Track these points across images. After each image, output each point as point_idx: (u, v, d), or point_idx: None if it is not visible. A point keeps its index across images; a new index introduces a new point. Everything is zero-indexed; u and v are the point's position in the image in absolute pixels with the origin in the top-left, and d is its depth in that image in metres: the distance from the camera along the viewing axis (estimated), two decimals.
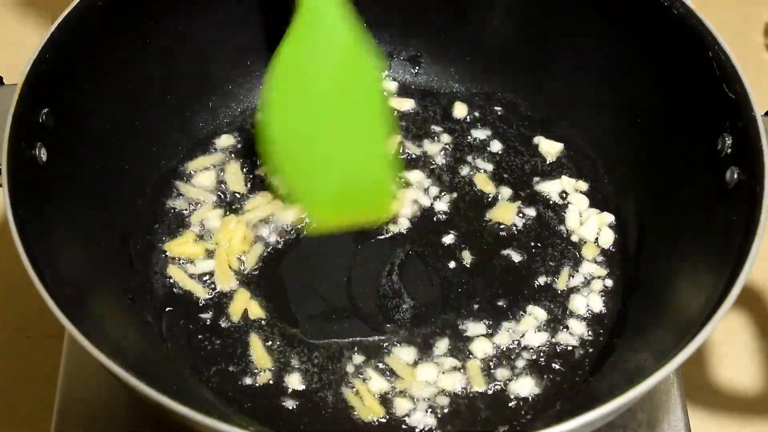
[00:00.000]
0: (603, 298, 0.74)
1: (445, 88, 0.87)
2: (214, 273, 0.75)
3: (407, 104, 0.86)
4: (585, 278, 0.75)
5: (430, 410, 0.68)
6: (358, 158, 0.74)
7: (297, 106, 0.72)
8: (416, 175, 0.81)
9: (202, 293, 0.74)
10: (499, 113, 0.85)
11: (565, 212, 0.79)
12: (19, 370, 0.83)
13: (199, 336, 0.72)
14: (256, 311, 0.73)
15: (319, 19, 0.70)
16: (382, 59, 0.71)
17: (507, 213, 0.78)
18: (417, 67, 0.87)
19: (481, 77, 0.86)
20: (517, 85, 0.85)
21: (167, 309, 0.73)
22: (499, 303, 0.74)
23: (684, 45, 0.70)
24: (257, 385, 0.69)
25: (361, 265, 0.76)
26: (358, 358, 0.70)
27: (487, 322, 0.73)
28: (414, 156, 0.82)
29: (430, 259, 0.76)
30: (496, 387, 0.70)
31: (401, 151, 0.82)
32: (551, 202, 0.80)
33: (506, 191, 0.80)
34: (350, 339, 0.72)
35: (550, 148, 0.82)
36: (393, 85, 0.87)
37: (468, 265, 0.76)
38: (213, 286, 0.74)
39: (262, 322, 0.72)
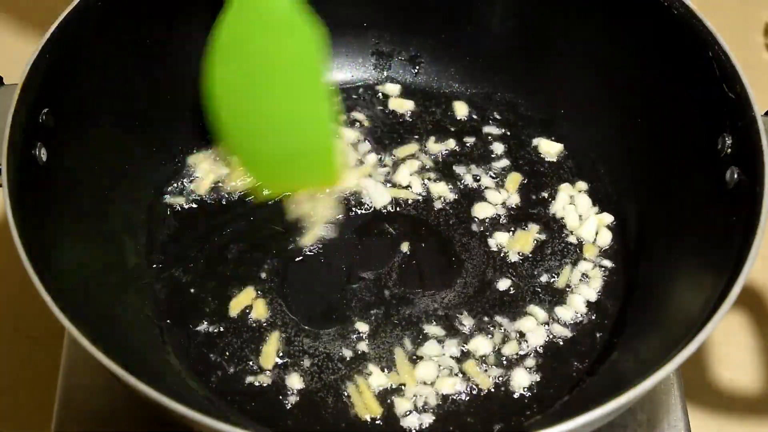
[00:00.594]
0: (603, 297, 0.74)
1: (445, 88, 0.87)
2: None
3: (407, 105, 0.86)
4: (585, 278, 0.75)
5: (428, 409, 0.68)
6: (300, 125, 0.76)
7: (238, 74, 0.73)
8: (413, 178, 0.81)
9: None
10: (498, 114, 0.85)
11: (564, 212, 0.79)
12: (19, 370, 0.83)
13: (200, 336, 0.72)
14: (261, 311, 0.73)
15: None
16: (323, 29, 0.71)
17: (525, 242, 0.77)
18: (417, 68, 0.87)
19: (481, 77, 0.86)
20: (517, 85, 0.85)
21: (168, 308, 0.73)
22: (499, 302, 0.74)
23: (684, 45, 0.70)
24: (258, 384, 0.69)
25: (361, 263, 0.76)
26: (358, 355, 0.71)
27: (486, 320, 0.73)
28: (413, 155, 0.82)
29: (429, 258, 0.76)
30: (495, 386, 0.70)
31: (348, 121, 0.84)
32: (551, 200, 0.80)
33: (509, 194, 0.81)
34: (351, 336, 0.72)
35: (549, 149, 0.82)
36: (395, 87, 0.87)
37: (468, 264, 0.76)
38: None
39: (263, 321, 0.72)
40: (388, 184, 0.80)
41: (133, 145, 0.78)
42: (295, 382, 0.69)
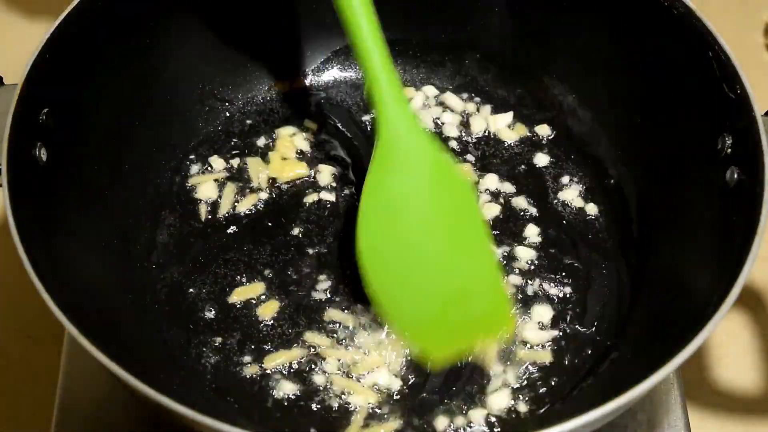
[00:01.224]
0: (603, 298, 0.74)
1: (445, 89, 0.87)
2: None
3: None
4: (585, 278, 0.75)
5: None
6: (465, 278, 0.67)
7: (392, 237, 0.67)
8: None
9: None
10: (497, 115, 0.85)
11: (565, 212, 0.79)
12: (19, 370, 0.83)
13: (200, 336, 0.72)
14: (271, 308, 0.73)
15: (399, 146, 0.66)
16: (469, 175, 0.68)
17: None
18: (417, 67, 0.87)
19: (481, 78, 0.86)
20: (517, 86, 0.85)
21: (168, 308, 0.73)
22: None
23: (684, 45, 0.70)
24: (258, 384, 0.69)
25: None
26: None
27: None
28: None
29: None
30: (489, 387, 0.70)
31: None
32: (550, 198, 0.80)
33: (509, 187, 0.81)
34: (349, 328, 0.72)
35: (541, 160, 0.82)
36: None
37: None
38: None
39: (268, 321, 0.73)
40: None
41: (133, 145, 0.78)
42: (295, 381, 0.70)
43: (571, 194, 0.80)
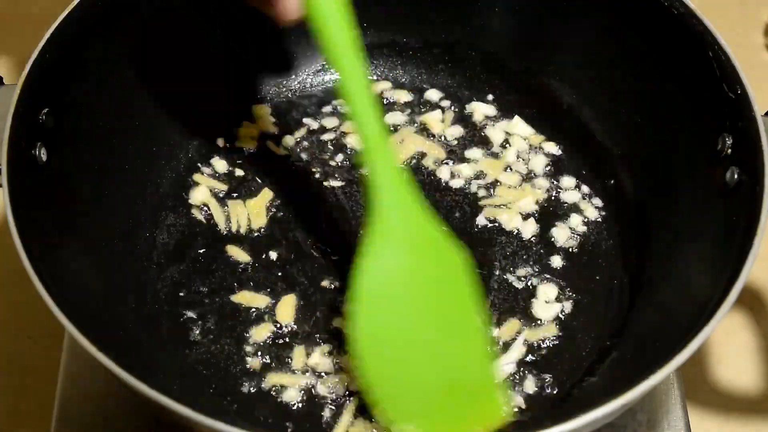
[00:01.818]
0: (603, 297, 0.74)
1: (445, 89, 0.87)
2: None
3: (405, 96, 0.86)
4: (585, 278, 0.75)
5: None
6: (457, 361, 0.65)
7: (385, 320, 0.64)
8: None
9: None
10: (498, 115, 0.85)
11: (564, 212, 0.79)
12: (19, 370, 0.83)
13: (201, 336, 0.72)
14: (288, 312, 0.73)
15: (394, 218, 0.63)
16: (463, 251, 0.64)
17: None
18: (416, 68, 0.87)
19: (481, 78, 0.86)
20: (517, 86, 0.85)
21: (168, 308, 0.73)
22: (501, 304, 0.74)
23: (684, 45, 0.70)
24: (259, 384, 0.69)
25: None
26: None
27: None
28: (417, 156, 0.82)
29: None
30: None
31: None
32: (552, 198, 0.80)
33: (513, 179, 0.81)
34: None
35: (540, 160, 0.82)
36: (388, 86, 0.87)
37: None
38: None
39: (269, 323, 0.73)
40: None
41: (133, 145, 0.78)
42: (295, 384, 0.70)
43: (570, 194, 0.80)
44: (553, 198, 0.80)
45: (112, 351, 0.56)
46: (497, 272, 0.75)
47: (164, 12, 0.77)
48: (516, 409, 0.68)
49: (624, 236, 0.77)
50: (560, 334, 0.72)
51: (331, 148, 0.83)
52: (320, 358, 0.70)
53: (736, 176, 0.65)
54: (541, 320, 0.73)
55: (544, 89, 0.84)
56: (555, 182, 0.81)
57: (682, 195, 0.72)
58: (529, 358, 0.71)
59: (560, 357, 0.71)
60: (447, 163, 0.82)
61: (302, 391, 0.69)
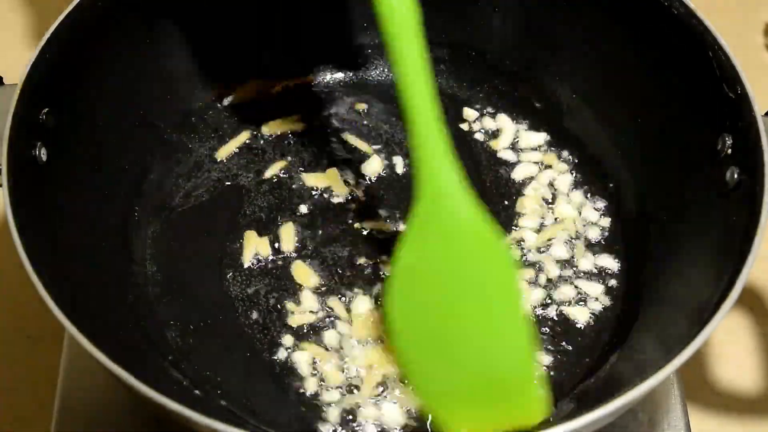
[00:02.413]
0: (603, 298, 0.74)
1: (444, 89, 0.87)
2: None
3: None
4: (586, 279, 0.75)
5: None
6: (495, 355, 0.64)
7: (422, 303, 0.63)
8: None
9: None
10: (498, 116, 0.85)
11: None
12: (19, 370, 0.83)
13: (201, 336, 0.72)
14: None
15: (441, 207, 0.61)
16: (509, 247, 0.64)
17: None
18: None
19: (480, 78, 0.86)
20: (517, 86, 0.85)
21: (168, 308, 0.73)
22: None
23: (684, 45, 0.70)
24: (259, 385, 0.69)
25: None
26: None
27: None
28: None
29: None
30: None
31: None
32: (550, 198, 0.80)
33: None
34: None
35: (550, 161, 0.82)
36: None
37: None
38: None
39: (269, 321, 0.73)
40: None
41: (133, 145, 0.78)
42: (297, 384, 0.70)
43: (570, 194, 0.80)
44: (552, 198, 0.80)
45: (112, 351, 0.56)
46: None
47: (164, 11, 0.77)
48: None
49: (624, 236, 0.77)
50: (560, 334, 0.72)
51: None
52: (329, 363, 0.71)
53: (736, 176, 0.65)
54: (540, 317, 0.73)
55: (544, 89, 0.84)
56: (555, 182, 0.81)
57: (682, 195, 0.72)
58: None
59: (560, 357, 0.71)
60: None
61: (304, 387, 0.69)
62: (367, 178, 0.81)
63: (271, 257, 0.76)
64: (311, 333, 0.72)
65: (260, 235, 0.77)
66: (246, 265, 0.75)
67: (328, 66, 0.87)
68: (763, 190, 0.61)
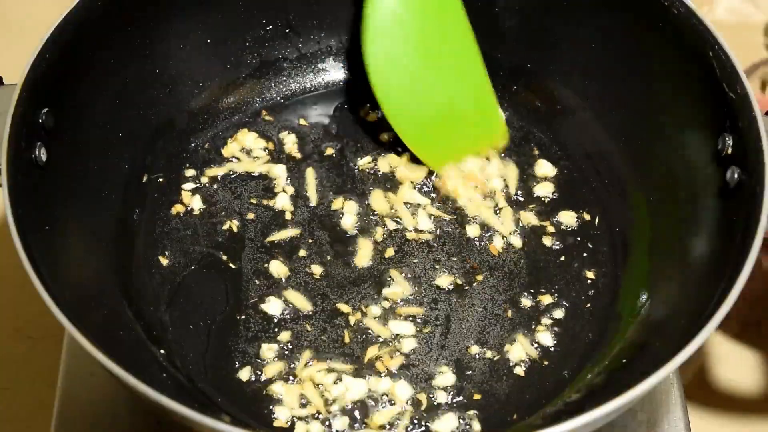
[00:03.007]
0: (603, 298, 0.74)
1: None
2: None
3: None
4: (586, 278, 0.75)
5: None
6: (459, 85, 0.78)
7: (394, 43, 0.76)
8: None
9: None
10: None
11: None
12: (19, 370, 0.83)
13: (201, 335, 0.72)
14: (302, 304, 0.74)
15: None
16: None
17: None
18: None
19: None
20: (516, 86, 0.85)
21: (169, 309, 0.73)
22: (503, 305, 0.74)
23: (684, 45, 0.70)
24: (260, 385, 0.69)
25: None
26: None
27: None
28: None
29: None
30: (496, 384, 0.70)
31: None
32: (547, 200, 0.80)
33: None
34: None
35: (546, 172, 0.82)
36: None
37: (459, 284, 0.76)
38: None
39: (275, 318, 0.73)
40: None
41: (134, 145, 0.78)
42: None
43: (570, 195, 0.80)
44: (550, 199, 0.80)
45: (112, 351, 0.56)
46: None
47: (164, 11, 0.77)
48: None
49: (624, 236, 0.77)
50: (561, 334, 0.72)
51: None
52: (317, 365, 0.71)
53: (736, 176, 0.65)
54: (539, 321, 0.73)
55: (544, 89, 0.84)
56: (554, 182, 0.81)
57: (682, 194, 0.72)
58: (530, 357, 0.71)
59: (560, 357, 0.71)
60: None
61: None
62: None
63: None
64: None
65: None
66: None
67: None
68: (763, 190, 0.61)
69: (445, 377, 0.70)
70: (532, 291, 0.74)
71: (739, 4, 1.09)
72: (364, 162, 0.81)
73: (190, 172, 0.81)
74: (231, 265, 0.76)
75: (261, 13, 0.83)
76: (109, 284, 0.71)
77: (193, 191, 0.80)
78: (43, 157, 0.65)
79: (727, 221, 0.64)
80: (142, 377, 0.55)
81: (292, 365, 0.70)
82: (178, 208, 0.79)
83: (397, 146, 0.82)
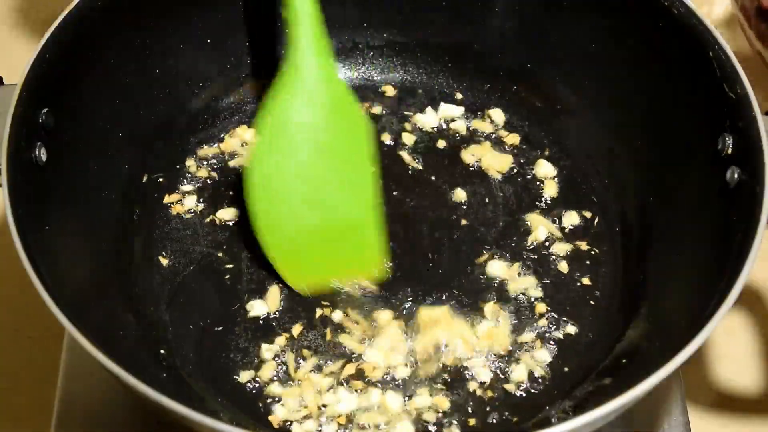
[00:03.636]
0: (603, 298, 0.74)
1: (444, 89, 0.87)
2: None
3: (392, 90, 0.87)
4: (586, 278, 0.75)
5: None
6: (344, 213, 0.73)
7: (281, 161, 0.71)
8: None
9: None
10: (498, 116, 0.85)
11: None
12: (19, 370, 0.83)
13: (202, 335, 0.72)
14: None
15: (304, 76, 0.70)
16: (368, 120, 0.73)
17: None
18: (417, 68, 0.87)
19: (480, 79, 0.86)
20: (516, 86, 0.85)
21: (169, 309, 0.73)
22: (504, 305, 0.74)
23: (684, 45, 0.70)
24: (259, 385, 0.69)
25: None
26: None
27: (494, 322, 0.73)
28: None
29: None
30: (495, 384, 0.69)
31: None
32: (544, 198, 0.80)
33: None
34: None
35: (547, 172, 0.82)
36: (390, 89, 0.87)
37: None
38: None
39: (270, 317, 0.73)
40: None
41: (133, 145, 0.78)
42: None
43: (570, 195, 0.80)
44: (552, 198, 0.80)
45: (112, 351, 0.56)
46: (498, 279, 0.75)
47: (164, 11, 0.77)
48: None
49: (624, 236, 0.77)
50: (560, 334, 0.72)
51: None
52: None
53: (736, 176, 0.65)
54: (540, 325, 0.73)
55: (543, 89, 0.84)
56: (554, 183, 0.81)
57: (682, 195, 0.72)
58: (530, 356, 0.71)
59: (560, 357, 0.71)
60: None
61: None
62: None
63: None
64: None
65: None
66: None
67: None
68: (763, 190, 0.61)
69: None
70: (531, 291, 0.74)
71: None
72: None
73: (190, 172, 0.81)
74: (231, 265, 0.76)
75: (261, 13, 0.83)
76: (109, 284, 0.71)
77: (193, 191, 0.80)
78: (43, 157, 0.65)
79: (727, 221, 0.64)
80: (142, 377, 0.55)
81: (291, 366, 0.70)
82: (178, 208, 0.79)
83: (398, 145, 0.83)
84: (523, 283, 0.75)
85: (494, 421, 0.67)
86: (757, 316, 0.86)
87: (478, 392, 0.69)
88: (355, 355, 0.70)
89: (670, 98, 0.74)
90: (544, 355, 0.71)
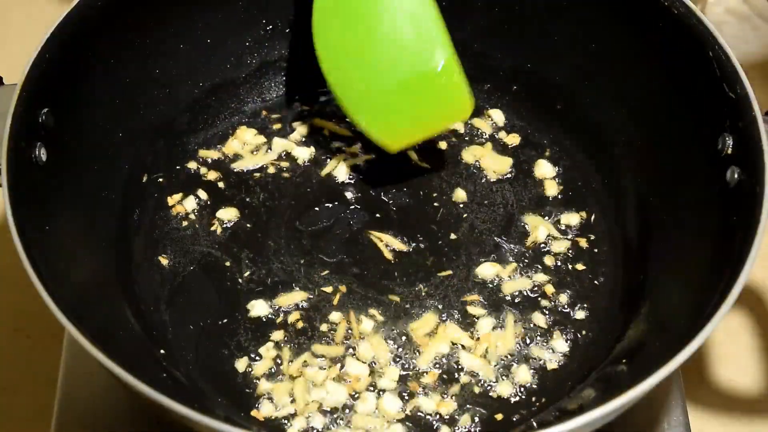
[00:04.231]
0: (603, 298, 0.74)
1: None
2: None
3: None
4: (586, 279, 0.75)
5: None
6: (418, 63, 0.71)
7: (344, 25, 0.72)
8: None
9: None
10: (498, 116, 0.85)
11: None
12: (19, 370, 0.83)
13: (202, 335, 0.72)
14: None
15: None
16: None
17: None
18: None
19: (480, 79, 0.86)
20: (515, 86, 0.85)
21: (169, 309, 0.73)
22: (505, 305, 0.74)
23: (684, 45, 0.70)
24: (259, 385, 0.69)
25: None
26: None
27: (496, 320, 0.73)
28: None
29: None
30: (495, 385, 0.70)
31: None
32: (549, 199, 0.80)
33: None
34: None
35: (546, 172, 0.82)
36: None
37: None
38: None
39: (267, 317, 0.73)
40: None
41: (133, 145, 0.78)
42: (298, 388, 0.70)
43: (570, 195, 0.80)
44: (552, 198, 0.80)
45: (112, 351, 0.56)
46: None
47: (164, 12, 0.77)
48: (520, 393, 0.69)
49: (624, 236, 0.77)
50: (560, 334, 0.72)
51: None
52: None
53: (736, 176, 0.65)
54: (539, 326, 0.73)
55: (543, 89, 0.84)
56: (554, 183, 0.81)
57: (682, 195, 0.72)
58: (531, 355, 0.71)
59: (560, 357, 0.71)
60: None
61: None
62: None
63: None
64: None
65: None
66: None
67: None
68: (763, 190, 0.61)
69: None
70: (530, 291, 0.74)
71: (737, 5, 1.09)
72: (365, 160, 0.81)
73: (190, 172, 0.81)
74: (231, 265, 0.76)
75: (261, 13, 0.83)
76: (109, 284, 0.71)
77: (193, 191, 0.80)
78: (43, 157, 0.65)
79: (727, 221, 0.64)
80: (142, 377, 0.55)
81: (292, 365, 0.70)
82: (178, 208, 0.79)
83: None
84: (523, 284, 0.75)
85: (494, 421, 0.67)
86: (757, 316, 0.86)
87: (478, 392, 0.69)
88: (355, 356, 0.70)
89: (670, 98, 0.74)
90: (544, 356, 0.71)
